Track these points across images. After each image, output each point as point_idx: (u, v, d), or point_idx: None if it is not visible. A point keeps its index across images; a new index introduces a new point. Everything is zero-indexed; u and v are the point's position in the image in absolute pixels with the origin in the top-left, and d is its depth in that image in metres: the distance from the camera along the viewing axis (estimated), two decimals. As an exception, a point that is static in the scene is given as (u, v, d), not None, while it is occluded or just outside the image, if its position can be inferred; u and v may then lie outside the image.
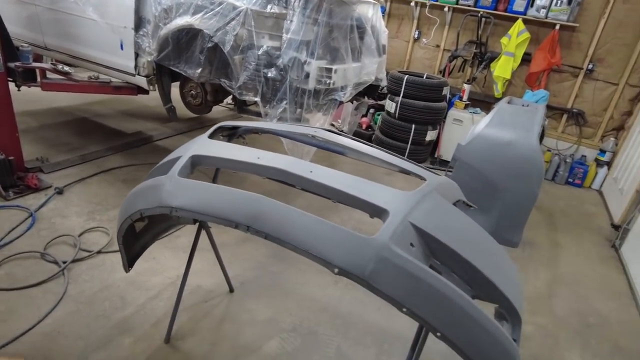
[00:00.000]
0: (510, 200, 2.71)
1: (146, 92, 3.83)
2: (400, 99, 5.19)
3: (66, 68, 3.79)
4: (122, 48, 3.63)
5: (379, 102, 6.06)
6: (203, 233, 2.31)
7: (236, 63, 3.05)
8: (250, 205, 1.38)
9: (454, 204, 1.76)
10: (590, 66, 5.59)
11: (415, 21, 6.44)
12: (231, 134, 2.16)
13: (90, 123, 5.13)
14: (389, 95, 5.40)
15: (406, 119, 5.24)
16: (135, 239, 2.12)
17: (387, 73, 5.36)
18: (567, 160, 5.72)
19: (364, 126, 6.07)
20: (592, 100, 5.73)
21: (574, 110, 5.80)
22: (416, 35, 6.51)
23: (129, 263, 2.08)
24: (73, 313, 2.36)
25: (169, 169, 1.67)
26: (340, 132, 1.88)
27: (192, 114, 4.02)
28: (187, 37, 3.23)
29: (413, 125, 5.23)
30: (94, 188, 3.67)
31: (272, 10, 3.03)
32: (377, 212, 1.42)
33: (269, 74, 3.05)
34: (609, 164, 5.64)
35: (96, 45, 3.80)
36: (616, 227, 4.28)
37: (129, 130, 5.00)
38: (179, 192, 1.52)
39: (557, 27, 5.41)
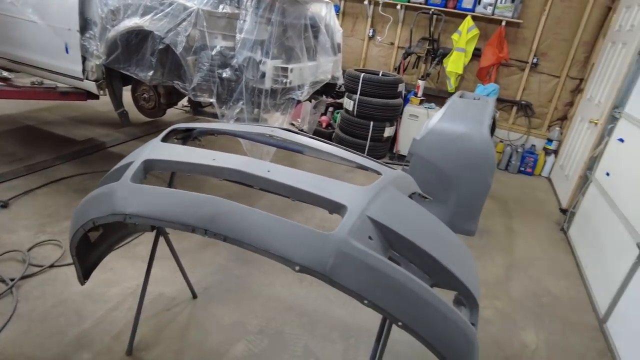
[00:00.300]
0: (465, 190, 2.81)
1: (96, 97, 3.68)
2: (357, 96, 5.26)
3: (5, 73, 3.58)
4: (67, 51, 3.46)
5: (338, 101, 6.12)
6: (162, 240, 2.26)
7: (189, 64, 2.99)
8: (206, 208, 1.36)
9: (410, 197, 1.81)
10: (535, 60, 5.89)
11: (370, 19, 6.54)
12: (186, 137, 2.11)
13: (36, 131, 4.86)
14: (346, 94, 5.47)
15: (364, 116, 5.32)
16: (90, 249, 2.04)
17: (344, 71, 5.42)
18: (519, 150, 6.00)
19: (324, 124, 6.11)
20: (538, 92, 6.04)
21: (523, 102, 6.09)
22: (371, 34, 6.62)
23: (84, 275, 1.99)
24: (24, 333, 2.24)
25: (121, 175, 1.61)
26: (297, 131, 1.88)
27: (146, 118, 3.90)
28: (137, 39, 3.13)
29: (371, 122, 5.31)
30: (43, 200, 3.49)
31: (224, 10, 2.99)
32: (336, 208, 1.44)
33: (224, 75, 3.00)
34: (556, 152, 5.96)
35: (38, 48, 3.60)
36: (564, 212, 4.54)
37: (80, 137, 4.78)
38: (132, 198, 1.48)
39: (503, 23, 5.66)
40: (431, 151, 2.85)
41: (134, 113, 3.76)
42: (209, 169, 1.56)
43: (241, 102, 3.03)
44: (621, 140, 3.68)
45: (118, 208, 1.47)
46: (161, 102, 3.52)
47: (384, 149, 5.75)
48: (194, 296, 2.69)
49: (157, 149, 1.73)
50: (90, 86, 3.49)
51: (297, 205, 1.54)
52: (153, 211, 1.42)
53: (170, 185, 2.21)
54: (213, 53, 2.98)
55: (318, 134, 5.87)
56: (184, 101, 3.86)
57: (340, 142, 5.55)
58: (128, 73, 3.20)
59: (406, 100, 5.79)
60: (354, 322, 2.65)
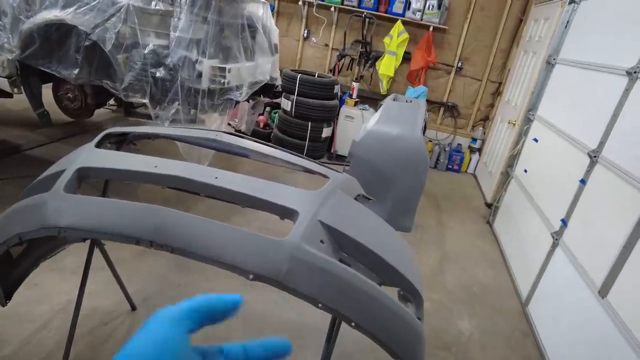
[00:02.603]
0: (401, 189, 2.95)
1: (9, 95, 3.34)
2: (295, 97, 5.28)
3: None
4: (-29, 44, 3.11)
5: (275, 101, 6.08)
6: (96, 251, 2.12)
7: (120, 63, 2.81)
8: (151, 218, 1.30)
9: (355, 199, 1.86)
10: (460, 64, 6.31)
11: (304, 20, 6.59)
12: (120, 141, 2.00)
13: None
14: (284, 94, 5.46)
15: (302, 116, 5.35)
16: (13, 266, 1.86)
17: (281, 72, 5.41)
18: (446, 149, 6.38)
19: (261, 125, 6.05)
20: (462, 94, 6.47)
21: (449, 103, 6.49)
22: (305, 34, 6.66)
23: (5, 295, 1.81)
24: None
25: (51, 185, 1.49)
26: (242, 135, 1.85)
27: (68, 119, 3.61)
28: (58, 34, 2.89)
29: (309, 123, 5.36)
30: (-52, 210, 3.10)
31: (157, 7, 2.86)
32: (288, 214, 1.44)
33: (158, 74, 2.88)
34: (479, 150, 6.43)
35: None
36: (489, 206, 4.91)
37: (-11, 140, 4.31)
38: (67, 209, 1.37)
39: (431, 28, 5.98)
40: (369, 152, 2.94)
41: (55, 113, 3.47)
42: (152, 177, 1.49)
43: (177, 103, 2.92)
44: (535, 140, 4.07)
45: (50, 221, 1.36)
46: (88, 102, 3.28)
47: (323, 149, 5.83)
48: (133, 308, 2.55)
49: (92, 156, 1.62)
50: (1, 83, 3.15)
51: (237, 208, 1.52)
52: (92, 223, 1.32)
53: (104, 194, 2.07)
54: (146, 51, 2.84)
55: (256, 134, 5.81)
56: (112, 100, 3.62)
57: (279, 143, 5.54)
58: (49, 70, 2.94)
59: (342, 102, 5.92)
60: (302, 323, 2.67)
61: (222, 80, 3.09)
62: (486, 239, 4.41)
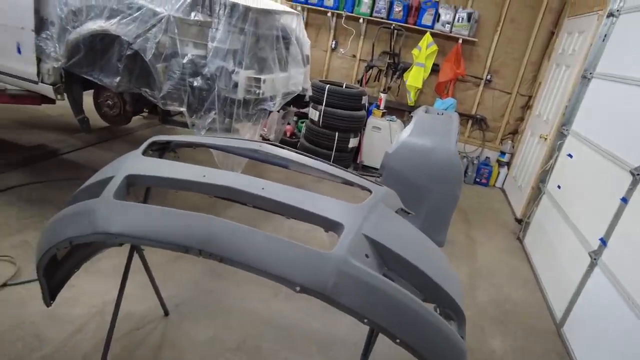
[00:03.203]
0: (434, 202, 2.91)
1: (52, 101, 3.45)
2: (323, 107, 5.30)
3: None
4: (19, 52, 3.24)
5: (302, 111, 6.13)
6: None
7: (159, 72, 2.88)
8: (201, 227, 1.32)
9: (396, 212, 1.85)
10: (489, 77, 6.23)
11: (332, 31, 6.64)
12: (162, 149, 2.04)
13: (-22, 136, 4.49)
14: (312, 104, 5.49)
15: (330, 126, 5.37)
16: (57, 268, 1.90)
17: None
18: (474, 162, 6.29)
19: (288, 134, 6.09)
20: (491, 107, 6.39)
21: (478, 116, 6.41)
22: (333, 45, 6.71)
23: (50, 296, 1.86)
24: (-23, 360, 2.05)
25: (100, 191, 1.52)
26: (283, 146, 1.87)
27: (103, 124, 3.71)
28: (102, 43, 2.98)
29: (337, 133, 5.37)
30: (-9, 211, 3.22)
31: (196, 18, 2.92)
32: (332, 226, 1.44)
33: (195, 83, 2.93)
34: (508, 164, 6.31)
35: (-15, 47, 3.34)
36: (519, 221, 4.80)
37: (30, 143, 4.46)
38: (117, 216, 1.40)
39: (460, 41, 5.94)
40: (403, 164, 2.92)
41: (92, 118, 3.57)
42: (199, 186, 1.51)
43: (213, 112, 2.97)
44: (570, 155, 3.97)
45: (101, 227, 1.39)
46: (127, 109, 3.37)
47: (349, 160, 5.83)
48: (166, 313, 2.58)
49: (140, 163, 1.65)
50: (46, 90, 3.27)
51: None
52: (142, 231, 1.35)
53: (145, 200, 2.11)
54: (184, 61, 2.91)
55: (283, 143, 5.84)
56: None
57: (306, 152, 5.54)
58: (92, 78, 3.04)
59: (369, 113, 5.91)
60: (331, 334, 2.65)
61: (257, 91, 3.13)
62: (516, 256, 4.31)
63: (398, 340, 1.31)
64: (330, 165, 1.81)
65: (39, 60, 3.20)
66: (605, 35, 3.88)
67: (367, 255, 1.39)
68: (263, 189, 1.46)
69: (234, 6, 2.99)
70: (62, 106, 3.55)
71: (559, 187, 4.02)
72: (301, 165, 1.79)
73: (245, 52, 3.05)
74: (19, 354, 2.12)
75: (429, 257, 1.61)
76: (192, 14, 2.92)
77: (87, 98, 3.51)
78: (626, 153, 2.93)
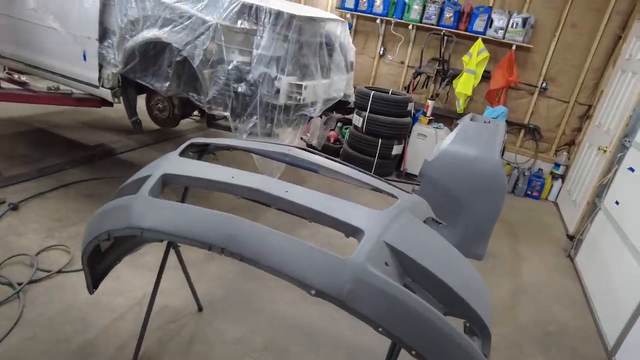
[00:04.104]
0: (475, 214, 2.81)
1: (110, 104, 3.72)
2: (367, 114, 5.29)
3: (23, 78, 3.62)
4: (85, 59, 3.51)
5: (347, 117, 6.14)
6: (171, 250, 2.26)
7: (205, 77, 3.02)
8: (224, 227, 1.36)
9: (425, 222, 1.81)
10: (544, 85, 5.93)
11: (381, 38, 6.61)
12: (201, 151, 2.13)
13: (48, 134, 4.90)
14: (356, 110, 5.49)
15: (373, 133, 5.34)
16: (101, 259, 2.04)
17: (355, 88, 5.46)
18: (526, 173, 5.99)
19: (332, 140, 6.13)
20: (546, 116, 6.06)
21: (531, 125, 6.11)
22: (381, 52, 6.68)
23: (93, 284, 1.99)
24: (30, 339, 2.23)
25: (138, 188, 1.62)
26: (312, 151, 1.89)
27: (156, 126, 3.93)
28: (154, 50, 3.17)
29: (380, 140, 5.33)
30: (53, 203, 3.50)
31: (242, 26, 3.03)
32: (353, 232, 1.44)
33: (239, 89, 3.04)
34: (562, 177, 5.95)
35: (56, 54, 3.65)
36: (571, 238, 4.51)
37: (91, 143, 4.82)
38: (150, 212, 1.48)
39: (514, 47, 5.70)
40: (442, 173, 2.85)
41: (145, 120, 3.80)
42: (227, 187, 1.56)
43: (255, 117, 3.06)
44: (631, 169, 3.68)
45: (135, 222, 1.48)
46: (175, 112, 3.55)
47: (392, 167, 5.76)
48: (200, 309, 2.68)
49: (175, 163, 1.74)
50: (106, 94, 3.53)
51: (303, 221, 1.54)
52: (170, 227, 1.42)
53: (183, 200, 2.22)
54: (229, 67, 3.02)
55: (326, 148, 5.88)
56: (195, 111, 3.89)
57: (348, 158, 5.56)
58: (144, 83, 3.24)
59: (415, 119, 5.81)
60: (359, 343, 2.63)
61: (298, 97, 3.19)
62: (566, 274, 4.04)
63: (414, 352, 1.28)
64: (359, 171, 1.81)
65: (100, 67, 3.46)
66: (676, 41, 3.57)
67: (386, 264, 1.37)
68: (287, 192, 1.49)
69: (279, 14, 3.07)
70: (120, 109, 3.80)
71: (617, 203, 3.74)
72: (329, 170, 1.80)
73: (288, 59, 3.11)
74: (67, 336, 2.29)
75: (454, 270, 1.56)
76: (239, 22, 3.03)
77: (141, 101, 3.73)
78: (693, 169, 2.68)
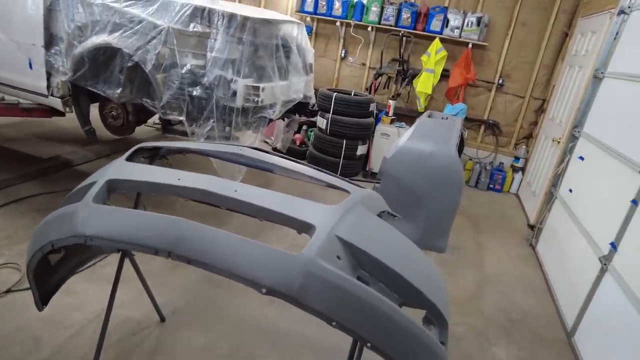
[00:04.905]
0: (434, 208, 2.85)
1: (62, 114, 3.58)
2: (330, 115, 5.31)
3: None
4: (31, 67, 3.37)
5: (311, 119, 6.15)
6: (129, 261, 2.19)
7: (159, 82, 2.95)
8: (170, 230, 1.33)
9: (379, 215, 1.82)
10: (501, 81, 6.13)
11: (342, 40, 6.67)
12: (153, 156, 2.07)
13: (-3, 149, 4.68)
14: (319, 112, 5.51)
15: (337, 134, 5.37)
16: (50, 273, 1.95)
17: (316, 91, 5.48)
18: (487, 167, 6.16)
19: (298, 143, 6.12)
20: (504, 111, 6.26)
21: (490, 121, 6.30)
22: (343, 54, 6.74)
23: (42, 300, 1.89)
24: (-24, 363, 2.10)
25: (83, 196, 1.56)
26: (267, 150, 1.88)
27: (112, 135, 3.81)
28: (105, 56, 3.08)
29: (344, 141, 5.36)
30: (1, 221, 3.33)
31: (195, 29, 2.99)
32: (304, 228, 1.43)
33: (194, 93, 2.99)
34: (523, 170, 6.16)
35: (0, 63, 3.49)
36: (531, 227, 4.66)
37: (45, 155, 4.62)
38: (94, 219, 1.43)
39: (470, 45, 5.87)
40: (401, 169, 2.88)
41: (103, 130, 3.68)
42: (174, 189, 1.53)
43: (212, 120, 3.01)
44: (581, 158, 3.84)
45: (79, 230, 1.42)
46: (130, 119, 3.45)
47: (358, 167, 5.80)
48: (162, 319, 2.60)
49: (121, 169, 1.69)
50: (56, 103, 3.39)
51: (270, 224, 1.52)
52: (115, 233, 1.37)
53: (136, 206, 2.15)
54: (183, 71, 2.97)
55: (292, 152, 5.87)
56: (156, 119, 3.79)
57: (314, 160, 5.57)
58: (96, 90, 3.14)
59: (378, 120, 5.88)
60: (327, 342, 2.61)
61: (256, 99, 3.16)
62: (528, 263, 4.17)
63: (369, 344, 1.28)
64: (313, 168, 1.81)
65: (48, 75, 3.33)
66: (617, 33, 3.77)
67: (338, 257, 1.37)
68: (236, 191, 1.47)
69: (232, 17, 3.04)
70: (74, 119, 3.65)
71: (570, 190, 3.90)
72: (284, 169, 1.79)
73: (243, 61, 3.09)
74: (16, 357, 2.17)
75: (408, 261, 1.57)
76: (191, 25, 2.99)
77: (94, 110, 3.61)
78: (637, 153, 2.82)
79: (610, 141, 3.31)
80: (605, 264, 2.84)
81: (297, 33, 3.76)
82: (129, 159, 1.80)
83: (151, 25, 2.93)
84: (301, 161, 1.81)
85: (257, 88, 3.15)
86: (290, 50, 3.61)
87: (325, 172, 1.78)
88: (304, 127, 6.32)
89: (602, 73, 3.85)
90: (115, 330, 2.45)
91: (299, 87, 3.69)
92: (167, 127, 3.43)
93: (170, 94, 2.98)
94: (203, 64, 3.03)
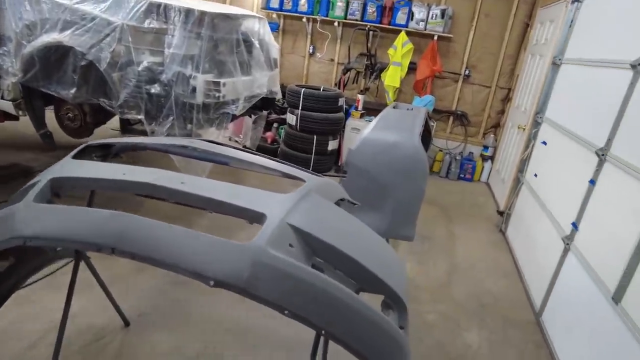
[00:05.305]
0: (400, 197, 2.86)
1: (15, 117, 3.44)
2: (299, 111, 5.28)
3: None
4: (-21, 70, 3.23)
5: (282, 117, 6.11)
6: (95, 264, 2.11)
7: (115, 81, 2.86)
8: (112, 225, 1.27)
9: (338, 203, 1.81)
10: (467, 72, 6.22)
11: (309, 37, 6.64)
12: (106, 155, 2.00)
13: (-50, 159, 4.47)
14: (289, 109, 5.48)
15: (307, 130, 5.34)
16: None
17: (286, 87, 5.45)
18: (457, 157, 6.25)
19: (269, 140, 6.06)
20: (472, 102, 6.36)
21: (458, 112, 6.38)
22: (311, 50, 6.71)
23: (-11, 310, 1.81)
24: None
25: (24, 196, 1.49)
26: (220, 142, 1.83)
27: (74, 140, 3.68)
28: (56, 55, 2.97)
29: (315, 136, 5.34)
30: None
31: (151, 25, 2.91)
32: (256, 218, 1.39)
33: (152, 90, 2.91)
34: (492, 158, 6.27)
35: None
36: (501, 213, 4.74)
37: (3, 163, 4.43)
38: (33, 219, 1.36)
39: (435, 37, 5.94)
40: (365, 160, 2.88)
41: (63, 135, 3.55)
42: (120, 185, 1.47)
43: (171, 118, 2.94)
44: (544, 143, 3.93)
45: (17, 231, 1.35)
46: (87, 121, 3.34)
47: (330, 162, 5.79)
48: (127, 324, 2.52)
49: (66, 166, 1.62)
50: (7, 106, 3.26)
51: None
52: (55, 232, 1.31)
53: (89, 205, 2.07)
54: (140, 69, 2.89)
55: (263, 149, 5.81)
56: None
57: (286, 157, 5.53)
58: (49, 91, 3.02)
59: (348, 114, 5.89)
60: (298, 338, 2.58)
61: (217, 95, 3.10)
62: (499, 248, 4.24)
63: (323, 332, 1.25)
64: (267, 158, 1.77)
65: (-3, 77, 3.19)
66: (572, 21, 3.86)
67: (291, 245, 1.34)
68: (183, 183, 1.42)
69: (189, 12, 2.98)
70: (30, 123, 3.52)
71: (535, 175, 3.98)
72: (236, 160, 1.75)
73: (202, 57, 3.03)
74: (-32, 373, 2.06)
75: (364, 246, 1.56)
76: (147, 22, 2.91)
77: (52, 113, 3.48)
78: (592, 134, 2.90)
79: (569, 124, 3.39)
80: (567, 244, 2.90)
81: (258, 27, 3.71)
82: (76, 156, 1.72)
83: (104, 22, 2.84)
84: (256, 152, 1.78)
85: (217, 83, 3.09)
86: (252, 45, 3.56)
87: (280, 162, 1.75)
88: (275, 125, 6.27)
89: (559, 60, 3.95)
90: (77, 338, 2.37)
91: (263, 82, 3.65)
92: (127, 127, 3.33)
93: (127, 93, 2.90)
94: (161, 61, 2.96)
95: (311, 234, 1.38)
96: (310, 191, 1.56)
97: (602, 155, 2.67)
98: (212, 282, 1.21)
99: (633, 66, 2.51)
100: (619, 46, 2.81)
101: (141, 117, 2.94)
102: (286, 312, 1.23)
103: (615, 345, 2.16)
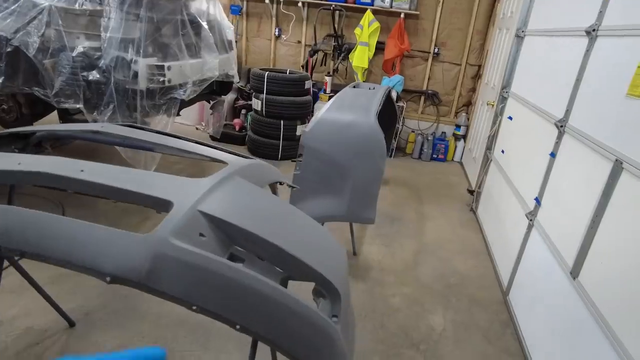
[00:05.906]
0: (358, 178, 2.75)
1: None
2: (264, 96, 5.12)
3: None
4: None
5: (249, 102, 5.93)
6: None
7: (47, 68, 2.67)
8: (-5, 220, 1.13)
9: (272, 187, 1.68)
10: (436, 50, 6.10)
11: (274, 19, 6.44)
12: (25, 145, 1.84)
13: None
14: (254, 94, 5.31)
15: (274, 115, 5.18)
16: None
17: (249, 71, 5.26)
18: (429, 138, 6.16)
19: (237, 127, 5.89)
20: (442, 80, 6.26)
21: (429, 91, 6.28)
22: (277, 33, 6.51)
23: None
24: None
25: None
26: (140, 126, 1.69)
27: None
28: (-21, 43, 2.75)
29: (282, 121, 5.19)
30: None
31: (83, 7, 2.71)
32: (162, 206, 1.26)
33: (90, 77, 2.73)
34: (464, 137, 6.20)
35: None
36: (471, 192, 4.68)
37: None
38: None
39: (402, 15, 5.79)
40: (321, 141, 2.75)
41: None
42: (14, 176, 1.32)
43: (112, 106, 2.76)
44: (510, 118, 3.85)
45: None
46: (23, 112, 3.13)
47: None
48: (72, 324, 2.39)
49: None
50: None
51: None
52: None
53: (9, 202, 1.91)
54: (74, 54, 2.70)
55: (229, 137, 5.65)
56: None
57: (254, 144, 5.38)
58: (-26, 82, 2.80)
59: (316, 98, 5.74)
60: (252, 329, 2.48)
61: (162, 79, 2.93)
62: (469, 227, 4.19)
63: (238, 327, 1.14)
64: (187, 141, 1.64)
65: None
66: (534, -9, 3.76)
67: (202, 234, 1.22)
68: (82, 171, 1.28)
69: (126, -9, 2.78)
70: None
71: (502, 151, 3.91)
72: (153, 144, 1.61)
73: (143, 40, 2.84)
74: None
75: (291, 231, 1.44)
76: (78, 3, 2.71)
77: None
78: (552, 106, 2.82)
79: (532, 97, 3.31)
80: (531, 220, 2.84)
81: (208, 7, 3.52)
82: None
83: (30, 4, 2.63)
84: (177, 134, 1.64)
85: (162, 67, 2.92)
86: (200, 26, 3.37)
87: (203, 144, 1.62)
88: (243, 111, 6.10)
89: (523, 32, 3.85)
90: (15, 343, 2.23)
91: (214, 64, 3.46)
92: (66, 117, 3.14)
93: (62, 81, 2.71)
94: (98, 45, 2.77)
95: (226, 221, 1.26)
96: (232, 174, 1.44)
97: (562, 126, 2.59)
98: (108, 279, 1.08)
99: (588, 32, 2.43)
100: (575, 14, 2.72)
101: (80, 106, 2.76)
102: (194, 307, 1.12)
103: (573, 321, 2.10)
